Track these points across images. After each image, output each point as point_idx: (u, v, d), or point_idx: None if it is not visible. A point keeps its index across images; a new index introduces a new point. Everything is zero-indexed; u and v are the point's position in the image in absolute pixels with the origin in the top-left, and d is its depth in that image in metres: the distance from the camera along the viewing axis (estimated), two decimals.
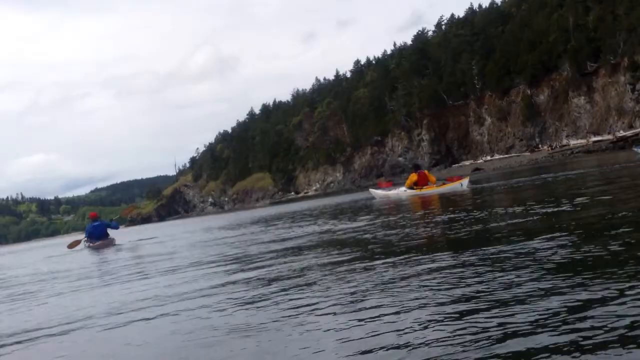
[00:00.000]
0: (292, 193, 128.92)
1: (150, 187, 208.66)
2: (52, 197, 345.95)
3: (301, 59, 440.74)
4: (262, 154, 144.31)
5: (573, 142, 73.13)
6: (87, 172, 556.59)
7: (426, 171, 26.76)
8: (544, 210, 9.40)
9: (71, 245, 25.11)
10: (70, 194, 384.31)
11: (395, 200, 23.37)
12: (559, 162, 48.83)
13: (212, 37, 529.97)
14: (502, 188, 19.85)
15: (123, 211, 32.75)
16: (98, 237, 23.60)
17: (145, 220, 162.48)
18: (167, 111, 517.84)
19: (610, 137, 65.44)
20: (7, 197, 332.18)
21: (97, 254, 18.79)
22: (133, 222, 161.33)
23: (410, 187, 25.02)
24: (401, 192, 25.82)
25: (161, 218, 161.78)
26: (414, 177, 25.16)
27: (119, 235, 25.66)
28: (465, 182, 22.88)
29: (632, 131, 62.75)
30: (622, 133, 64.27)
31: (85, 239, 24.21)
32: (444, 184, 24.79)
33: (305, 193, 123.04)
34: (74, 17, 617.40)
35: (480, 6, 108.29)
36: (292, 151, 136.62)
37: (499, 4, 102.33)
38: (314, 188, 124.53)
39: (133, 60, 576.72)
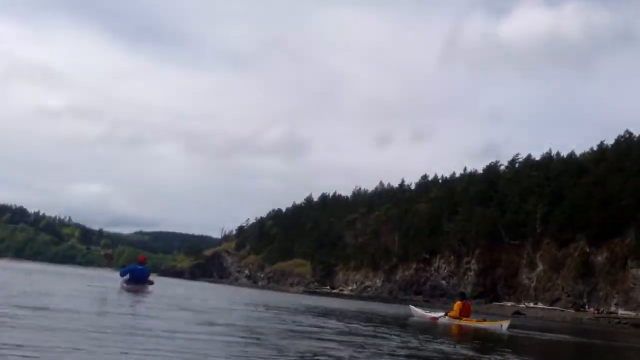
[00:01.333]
0: (328, 287, 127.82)
1: (191, 244, 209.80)
2: (97, 228, 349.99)
3: (370, 158, 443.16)
4: (308, 241, 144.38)
5: (621, 311, 71.05)
6: (136, 213, 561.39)
7: (470, 302, 25.99)
8: None
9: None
10: (114, 230, 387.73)
11: (433, 325, 22.56)
12: (605, 329, 47.27)
13: (291, 115, 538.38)
14: (540, 341, 18.94)
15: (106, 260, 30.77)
16: (139, 280, 22.96)
17: (178, 274, 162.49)
18: (229, 176, 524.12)
19: None
20: (56, 217, 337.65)
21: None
22: (165, 273, 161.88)
23: (452, 316, 24.19)
24: (441, 317, 24.93)
25: (193, 276, 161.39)
26: (460, 305, 24.45)
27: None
28: (505, 325, 22.23)
29: None
30: None
31: (125, 279, 23.28)
32: (484, 319, 24.11)
33: (341, 290, 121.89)
34: (167, 66, 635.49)
35: (558, 154, 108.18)
36: (339, 246, 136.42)
37: (578, 156, 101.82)
38: (350, 288, 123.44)
39: (210, 119, 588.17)
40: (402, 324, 21.37)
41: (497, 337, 17.06)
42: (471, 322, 23.46)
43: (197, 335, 8.69)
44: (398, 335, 13.09)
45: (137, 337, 7.98)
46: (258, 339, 8.74)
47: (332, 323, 14.74)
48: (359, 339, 10.78)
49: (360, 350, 8.96)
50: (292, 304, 29.45)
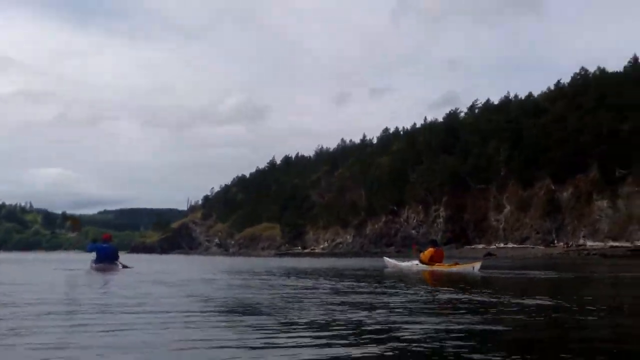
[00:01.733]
0: (299, 248, 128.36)
1: (158, 218, 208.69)
2: (60, 212, 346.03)
3: (329, 117, 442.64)
4: (275, 204, 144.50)
5: (590, 243, 72.65)
6: (98, 193, 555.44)
7: (442, 248, 26.41)
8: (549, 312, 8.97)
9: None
10: (78, 212, 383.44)
11: (406, 273, 22.89)
12: (575, 262, 48.33)
13: (248, 83, 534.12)
14: (514, 279, 19.22)
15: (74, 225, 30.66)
16: (106, 259, 22.71)
17: (148, 250, 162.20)
18: (189, 147, 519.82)
19: (628, 244, 64.91)
20: (17, 204, 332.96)
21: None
22: (135, 249, 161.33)
23: (424, 262, 24.51)
24: (413, 265, 25.32)
25: (164, 250, 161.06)
26: (431, 252, 24.57)
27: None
28: (477, 266, 22.40)
29: None
30: None
31: (92, 260, 23.04)
32: (456, 263, 24.46)
33: (312, 250, 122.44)
34: (118, 42, 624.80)
35: (516, 96, 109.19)
36: (305, 207, 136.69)
37: (536, 97, 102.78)
38: (322, 246, 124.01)
39: (167, 92, 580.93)
40: (381, 275, 21.49)
41: (470, 279, 17.28)
42: (444, 267, 23.69)
43: (190, 309, 8.46)
44: (394, 288, 13.36)
45: (124, 314, 7.66)
46: (256, 308, 8.44)
47: (322, 283, 14.83)
48: (359, 297, 10.79)
49: (367, 308, 8.87)
50: (271, 267, 29.32)
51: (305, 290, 11.72)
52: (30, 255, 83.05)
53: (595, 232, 76.19)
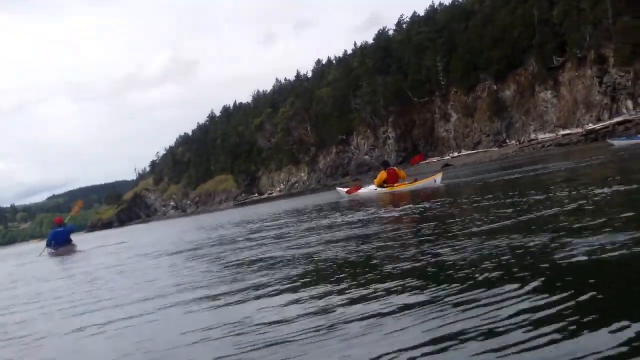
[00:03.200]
0: (256, 195, 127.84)
1: (109, 193, 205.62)
2: (9, 205, 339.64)
3: (260, 60, 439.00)
4: (223, 156, 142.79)
5: (541, 136, 73.30)
6: (44, 179, 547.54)
7: (396, 168, 25.75)
8: (513, 207, 8.63)
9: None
10: (27, 202, 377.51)
11: (365, 199, 22.37)
12: (531, 157, 48.52)
13: (168, 40, 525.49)
14: (476, 184, 18.80)
15: (72, 209, 30.85)
16: (62, 243, 22.81)
17: (107, 225, 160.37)
18: (125, 116, 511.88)
19: (579, 130, 65.54)
20: None
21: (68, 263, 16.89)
22: (94, 227, 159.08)
23: (381, 186, 24.21)
24: (371, 190, 24.97)
25: (122, 223, 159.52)
26: (383, 175, 24.23)
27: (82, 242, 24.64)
28: (439, 178, 22.26)
29: (601, 124, 62.86)
30: (591, 126, 64.37)
31: (48, 247, 23.41)
32: (416, 180, 24.06)
33: (270, 194, 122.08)
34: (23, 21, 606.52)
35: (441, 4, 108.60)
36: (255, 153, 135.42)
37: (461, 1, 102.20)
38: (278, 189, 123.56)
39: (89, 65, 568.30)
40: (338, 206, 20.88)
41: (434, 193, 16.83)
42: (404, 186, 23.38)
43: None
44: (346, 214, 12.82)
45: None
46: (262, 267, 7.67)
47: (301, 225, 14.11)
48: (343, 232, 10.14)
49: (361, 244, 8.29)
50: (240, 218, 28.62)
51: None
52: None
53: (545, 124, 76.87)
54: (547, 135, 71.77)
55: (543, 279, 4.00)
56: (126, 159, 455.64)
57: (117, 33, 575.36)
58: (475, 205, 10.49)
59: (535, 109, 78.87)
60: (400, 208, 13.65)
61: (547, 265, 4.36)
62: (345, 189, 28.74)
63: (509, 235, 5.96)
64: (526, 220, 7.04)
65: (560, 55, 74.99)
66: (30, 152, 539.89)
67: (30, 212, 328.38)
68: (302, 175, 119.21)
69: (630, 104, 64.71)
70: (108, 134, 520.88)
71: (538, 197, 9.42)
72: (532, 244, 5.30)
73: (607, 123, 61.91)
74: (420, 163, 30.51)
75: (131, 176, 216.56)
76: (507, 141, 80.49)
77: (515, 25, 79.95)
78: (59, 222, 23.85)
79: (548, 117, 76.84)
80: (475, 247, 5.68)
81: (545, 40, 75.84)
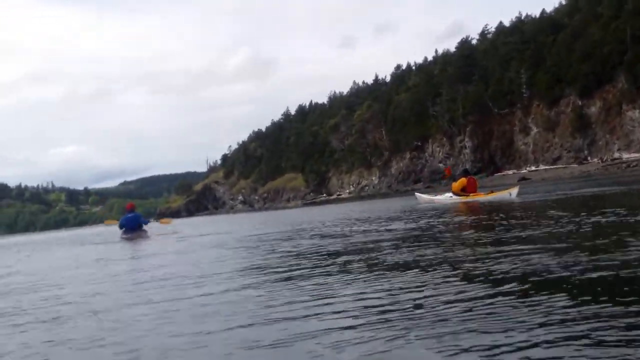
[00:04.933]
0: (324, 195, 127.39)
1: (180, 183, 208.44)
2: (82, 188, 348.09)
3: (338, 63, 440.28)
4: (295, 154, 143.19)
5: (626, 155, 70.75)
6: (117, 165, 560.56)
7: (474, 178, 25.15)
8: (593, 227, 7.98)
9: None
10: (99, 186, 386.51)
11: (441, 207, 21.58)
12: (617, 177, 46.69)
13: (248, 38, 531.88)
14: (555, 199, 17.66)
15: (163, 220, 30.59)
16: (132, 228, 22.98)
17: (175, 214, 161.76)
18: (201, 109, 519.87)
19: None
20: (38, 186, 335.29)
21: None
22: (162, 215, 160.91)
23: (457, 193, 23.87)
24: (447, 198, 24.67)
25: (190, 213, 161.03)
26: (464, 181, 23.87)
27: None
28: (514, 191, 21.73)
29: None
30: None
31: (122, 231, 23.35)
32: (491, 191, 23.87)
33: (338, 195, 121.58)
34: (109, 16, 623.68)
35: (528, 15, 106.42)
36: (327, 153, 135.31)
37: (550, 13, 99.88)
38: (348, 191, 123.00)
39: (167, 59, 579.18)
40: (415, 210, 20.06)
41: (509, 207, 15.90)
42: (479, 196, 23.00)
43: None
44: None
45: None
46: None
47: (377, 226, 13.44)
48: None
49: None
50: (315, 217, 28.15)
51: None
52: (61, 234, 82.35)
53: (630, 144, 74.16)
54: (632, 155, 69.20)
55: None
56: (198, 151, 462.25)
57: (197, 29, 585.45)
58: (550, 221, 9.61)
59: (621, 128, 76.21)
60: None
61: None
62: (424, 195, 28.60)
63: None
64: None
65: None
66: (106, 139, 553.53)
67: (102, 196, 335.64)
68: (373, 178, 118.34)
69: None
70: (182, 126, 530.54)
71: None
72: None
73: None
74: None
75: (202, 168, 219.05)
76: (589, 158, 78.02)
77: (606, 40, 77.49)
78: (131, 207, 24.10)
79: (634, 137, 74.10)
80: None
81: (636, 57, 73.25)
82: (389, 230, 10.65)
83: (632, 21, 75.39)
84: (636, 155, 68.39)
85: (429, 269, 5.69)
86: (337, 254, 8.19)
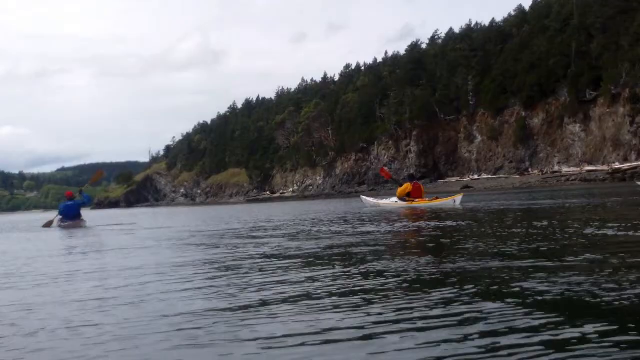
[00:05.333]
0: (267, 192, 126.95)
1: (120, 171, 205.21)
2: (17, 172, 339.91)
3: (288, 58, 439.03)
4: (240, 149, 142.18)
5: (565, 169, 72.23)
6: (55, 150, 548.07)
7: (420, 184, 25.43)
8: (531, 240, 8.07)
9: (46, 225, 23.88)
10: (35, 171, 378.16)
11: (386, 211, 21.76)
12: (554, 189, 47.58)
13: (201, 27, 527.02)
14: (497, 209, 17.98)
15: (92, 177, 31.33)
16: (72, 217, 22.99)
17: (113, 204, 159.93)
18: (146, 96, 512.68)
19: (605, 167, 64.48)
20: None
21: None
22: (100, 205, 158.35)
23: (402, 198, 24.03)
24: (392, 202, 24.95)
25: (129, 204, 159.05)
26: (408, 186, 24.14)
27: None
28: (458, 199, 22.16)
29: (628, 164, 61.79)
30: (617, 165, 63.32)
31: (59, 218, 23.42)
32: (436, 198, 24.24)
33: (282, 193, 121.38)
34: None
35: (478, 24, 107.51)
36: (272, 150, 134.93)
37: (499, 23, 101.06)
38: (291, 189, 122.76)
39: (118, 41, 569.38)
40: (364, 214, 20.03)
41: (453, 213, 16.15)
42: (424, 202, 23.38)
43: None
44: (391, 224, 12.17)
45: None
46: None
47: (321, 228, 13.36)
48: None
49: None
50: (260, 214, 27.81)
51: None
52: None
53: (570, 158, 75.81)
54: (571, 169, 70.69)
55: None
56: (141, 140, 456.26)
57: (149, 12, 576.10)
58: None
59: (562, 141, 77.77)
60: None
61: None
62: (370, 199, 28.96)
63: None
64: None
65: (594, 89, 73.88)
66: (45, 122, 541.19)
67: (37, 181, 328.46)
68: (317, 178, 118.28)
69: None
70: (125, 112, 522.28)
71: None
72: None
73: (635, 164, 60.81)
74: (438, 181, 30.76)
75: (144, 158, 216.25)
76: (530, 170, 79.40)
77: (551, 53, 78.92)
78: (70, 195, 23.91)
79: (574, 151, 75.74)
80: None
81: (580, 72, 74.88)
82: (337, 234, 10.45)
83: (577, 36, 77.00)
84: (575, 169, 69.85)
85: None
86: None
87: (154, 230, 18.03)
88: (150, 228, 19.58)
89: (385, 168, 26.84)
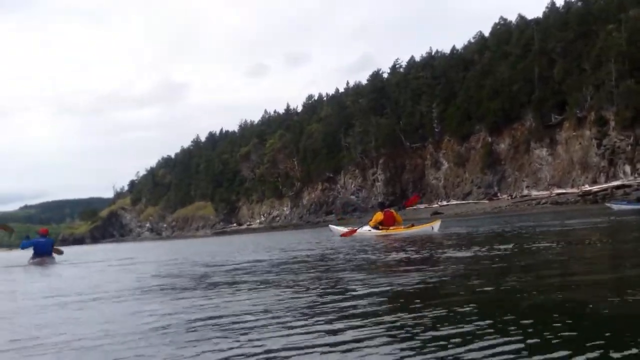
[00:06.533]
0: (234, 225, 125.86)
1: (84, 208, 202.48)
2: None
3: (249, 91, 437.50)
4: (205, 182, 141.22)
5: (535, 193, 72.50)
6: (17, 188, 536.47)
7: (393, 211, 24.71)
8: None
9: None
10: None
11: (359, 240, 21.17)
12: (526, 213, 47.55)
13: (159, 62, 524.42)
14: (477, 234, 17.75)
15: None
16: (43, 253, 22.43)
17: (78, 241, 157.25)
18: (107, 133, 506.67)
19: (575, 190, 64.81)
20: None
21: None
22: (65, 242, 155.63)
23: (375, 227, 23.24)
24: (365, 230, 23.87)
25: (95, 240, 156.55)
26: (379, 216, 23.38)
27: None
28: (436, 226, 21.65)
29: (598, 186, 62.18)
30: (587, 187, 63.68)
31: (30, 257, 22.61)
32: (412, 225, 23.17)
33: (249, 225, 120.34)
34: (12, 28, 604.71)
35: (438, 51, 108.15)
36: (237, 182, 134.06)
37: (460, 50, 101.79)
38: (258, 221, 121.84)
39: (73, 79, 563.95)
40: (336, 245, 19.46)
41: (434, 240, 15.81)
42: (400, 230, 22.58)
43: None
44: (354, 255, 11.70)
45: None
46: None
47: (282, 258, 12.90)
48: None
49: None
50: (233, 247, 26.93)
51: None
52: None
53: (538, 181, 76.29)
54: (540, 193, 70.98)
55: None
56: (104, 176, 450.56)
57: (106, 49, 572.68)
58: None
59: (529, 165, 78.28)
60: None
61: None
62: (339, 227, 27.91)
63: None
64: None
65: (559, 113, 74.65)
66: (5, 161, 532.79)
67: (1, 220, 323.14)
68: (285, 209, 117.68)
69: (628, 168, 64.32)
70: (87, 149, 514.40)
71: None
72: None
73: (605, 186, 61.24)
74: (407, 208, 29.91)
75: (108, 194, 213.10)
76: (499, 194, 79.58)
77: (514, 79, 79.60)
78: (44, 232, 23.68)
79: (542, 175, 76.24)
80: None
81: (544, 96, 75.62)
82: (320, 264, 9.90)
83: (538, 61, 77.83)
84: (544, 193, 70.12)
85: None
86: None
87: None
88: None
89: (348, 229, 25.84)
